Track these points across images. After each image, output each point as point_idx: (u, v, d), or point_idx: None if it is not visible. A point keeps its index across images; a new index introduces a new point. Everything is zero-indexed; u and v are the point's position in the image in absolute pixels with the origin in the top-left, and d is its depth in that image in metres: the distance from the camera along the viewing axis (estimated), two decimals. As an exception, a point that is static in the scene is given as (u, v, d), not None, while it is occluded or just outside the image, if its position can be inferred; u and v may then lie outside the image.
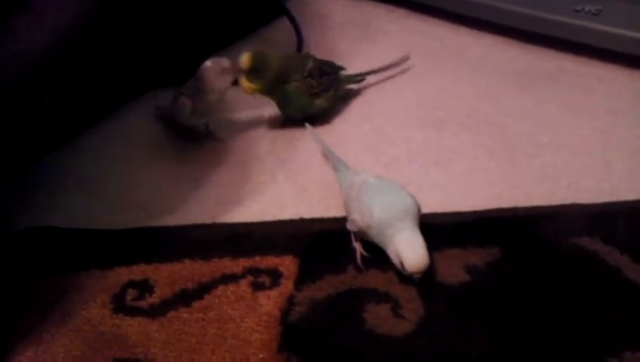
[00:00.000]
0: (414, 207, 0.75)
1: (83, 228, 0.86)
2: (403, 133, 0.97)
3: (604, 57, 1.05)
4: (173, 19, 1.11)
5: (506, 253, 0.77)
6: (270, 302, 0.74)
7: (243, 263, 0.79)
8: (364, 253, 0.77)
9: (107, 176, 0.95)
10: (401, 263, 0.72)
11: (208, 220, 0.86)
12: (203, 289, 0.76)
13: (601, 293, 0.72)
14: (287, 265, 0.78)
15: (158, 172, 0.95)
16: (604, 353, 0.66)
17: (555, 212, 0.81)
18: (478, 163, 0.91)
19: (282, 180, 0.91)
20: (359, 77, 1.06)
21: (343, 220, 0.80)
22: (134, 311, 0.75)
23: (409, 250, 0.71)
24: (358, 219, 0.76)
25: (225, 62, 0.93)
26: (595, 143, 0.92)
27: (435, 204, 0.83)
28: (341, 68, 1.03)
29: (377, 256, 0.76)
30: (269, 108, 1.01)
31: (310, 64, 0.98)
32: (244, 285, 0.77)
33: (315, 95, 0.98)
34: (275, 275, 0.77)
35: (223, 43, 1.17)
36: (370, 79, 1.08)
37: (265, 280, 0.77)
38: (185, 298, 0.76)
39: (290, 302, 0.74)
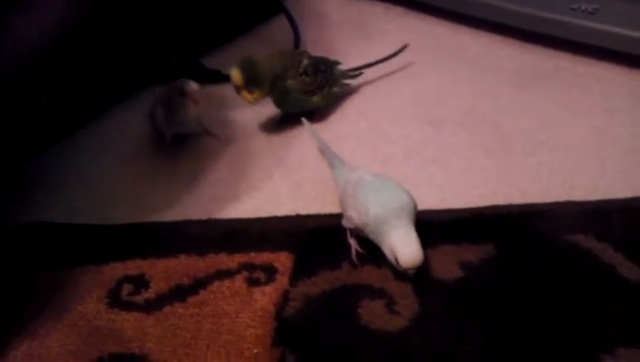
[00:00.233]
0: (410, 204, 0.76)
1: (79, 223, 0.87)
2: (400, 131, 0.98)
3: (602, 56, 1.05)
4: (171, 16, 1.11)
5: (501, 250, 0.77)
6: (265, 297, 0.74)
7: (238, 259, 0.79)
8: (360, 250, 0.77)
9: (104, 172, 0.96)
10: (396, 259, 0.72)
11: (204, 216, 0.86)
12: (198, 285, 0.77)
13: (594, 290, 0.72)
14: (283, 261, 0.78)
15: (155, 168, 0.95)
16: (598, 349, 0.66)
17: (549, 209, 0.82)
18: (475, 161, 0.91)
19: (278, 177, 0.92)
20: (356, 71, 1.06)
21: (338, 217, 0.80)
22: (130, 306, 0.75)
23: (404, 246, 0.72)
24: (353, 216, 0.76)
25: (193, 86, 0.93)
26: (592, 142, 0.92)
27: (431, 201, 0.84)
28: (336, 62, 1.03)
29: (372, 252, 0.77)
30: (266, 106, 1.01)
31: (305, 61, 0.98)
32: (239, 281, 0.77)
33: (310, 92, 0.98)
34: (270, 271, 0.77)
35: (220, 40, 1.18)
36: (368, 76, 1.08)
37: (260, 275, 0.77)
38: (180, 293, 0.76)
39: (285, 297, 0.74)
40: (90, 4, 0.86)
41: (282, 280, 0.76)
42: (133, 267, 0.79)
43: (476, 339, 0.69)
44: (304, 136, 0.97)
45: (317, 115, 1.01)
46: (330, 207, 0.85)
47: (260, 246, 0.80)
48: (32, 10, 0.79)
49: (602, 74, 1.04)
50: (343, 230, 0.79)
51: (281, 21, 1.20)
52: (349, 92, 1.06)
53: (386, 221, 0.73)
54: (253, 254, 0.80)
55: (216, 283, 0.77)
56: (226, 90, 1.07)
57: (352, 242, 0.78)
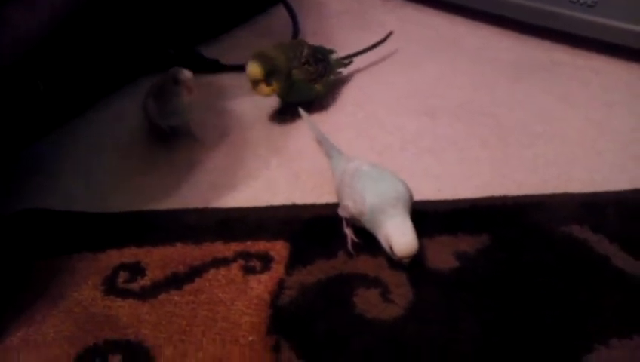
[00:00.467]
0: (406, 193, 0.76)
1: (76, 211, 0.87)
2: (397, 122, 0.98)
3: (601, 49, 1.06)
4: (169, 5, 1.11)
5: (496, 241, 0.77)
6: (261, 285, 0.75)
7: (234, 247, 0.79)
8: (355, 239, 0.78)
9: (102, 161, 0.95)
10: (391, 248, 0.72)
11: (201, 205, 0.86)
12: (194, 273, 0.77)
13: (589, 281, 0.72)
14: (279, 249, 0.79)
15: (152, 157, 0.95)
16: (592, 339, 0.66)
17: (545, 201, 0.82)
18: (471, 152, 0.91)
19: (275, 167, 0.92)
20: (347, 59, 1.06)
21: (334, 206, 0.80)
22: (125, 293, 0.75)
23: (399, 235, 0.72)
24: (350, 206, 0.76)
25: (187, 73, 0.92)
26: (589, 134, 0.92)
27: (427, 191, 0.84)
28: (331, 51, 1.04)
29: (368, 241, 0.77)
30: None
31: (305, 51, 0.98)
32: (235, 269, 0.77)
33: (313, 81, 0.98)
34: (266, 260, 0.78)
35: (218, 30, 1.18)
36: (365, 67, 1.08)
37: (256, 264, 0.77)
38: (176, 281, 0.76)
39: (281, 286, 0.74)
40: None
41: (278, 269, 0.76)
42: (129, 255, 0.80)
43: (471, 328, 0.69)
44: (302, 127, 0.97)
45: (315, 105, 1.01)
46: (326, 197, 0.85)
47: (256, 235, 0.81)
48: (30, 2, 0.79)
49: (601, 67, 1.04)
50: (339, 220, 0.79)
51: (280, 11, 1.20)
52: (346, 82, 1.06)
53: (382, 210, 0.74)
54: (249, 243, 0.80)
55: (212, 271, 0.77)
56: (225, 80, 1.08)
57: (348, 231, 0.78)
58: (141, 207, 0.87)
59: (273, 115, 1.01)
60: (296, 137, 0.96)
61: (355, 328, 0.70)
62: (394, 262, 0.74)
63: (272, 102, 1.01)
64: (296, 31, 1.15)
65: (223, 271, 0.77)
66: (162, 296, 0.75)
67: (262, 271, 0.76)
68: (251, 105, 1.03)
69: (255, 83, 0.94)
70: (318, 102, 1.01)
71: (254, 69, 0.93)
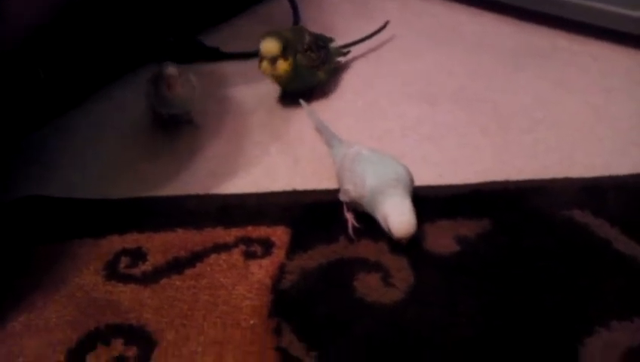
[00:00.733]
0: (406, 176, 0.76)
1: (77, 197, 0.87)
2: (397, 109, 0.98)
3: (599, 35, 1.05)
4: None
5: (497, 225, 0.77)
6: (262, 270, 0.75)
7: (235, 233, 0.79)
8: (356, 224, 0.78)
9: (102, 149, 0.96)
10: (389, 228, 0.72)
11: (201, 191, 0.87)
12: (195, 258, 0.77)
13: (590, 264, 0.72)
14: (279, 235, 0.79)
15: (153, 144, 0.96)
16: (593, 322, 0.67)
17: (545, 185, 0.82)
18: (471, 138, 0.91)
19: (275, 153, 0.92)
20: (345, 49, 1.06)
21: (335, 192, 0.81)
22: (127, 278, 0.75)
23: (397, 215, 0.72)
24: (350, 189, 0.76)
25: (170, 70, 0.91)
26: (589, 120, 0.92)
27: (428, 177, 0.84)
28: (331, 39, 1.04)
29: (369, 226, 0.77)
30: (264, 83, 1.01)
31: (307, 37, 0.98)
32: (236, 254, 0.77)
33: (315, 67, 0.98)
34: (266, 245, 0.78)
35: (218, 19, 1.17)
36: (365, 55, 1.08)
37: (257, 249, 0.77)
38: (177, 266, 0.76)
39: (282, 270, 0.75)
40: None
41: (279, 254, 0.76)
42: (130, 240, 0.80)
43: (472, 312, 0.69)
44: (301, 114, 0.97)
45: (316, 92, 1.01)
46: (326, 183, 0.85)
47: (257, 221, 0.81)
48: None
49: (600, 53, 1.04)
50: (339, 205, 0.79)
51: (280, -1, 1.20)
52: (346, 70, 1.06)
53: (381, 191, 0.74)
54: (250, 228, 0.80)
55: (213, 256, 0.77)
56: (225, 68, 1.08)
57: (349, 216, 0.78)
58: (141, 194, 0.87)
59: (273, 103, 1.01)
60: (295, 124, 0.96)
61: (356, 312, 0.70)
62: (395, 246, 0.74)
63: (272, 89, 1.01)
64: (296, 19, 1.15)
65: (224, 256, 0.77)
66: (164, 281, 0.75)
67: (263, 256, 0.76)
68: (251, 92, 1.03)
69: (272, 60, 0.94)
70: (319, 90, 1.01)
71: (272, 44, 0.93)
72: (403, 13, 1.18)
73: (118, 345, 0.69)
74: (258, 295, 0.72)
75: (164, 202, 0.85)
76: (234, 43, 1.11)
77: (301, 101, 0.96)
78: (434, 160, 0.88)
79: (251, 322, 0.70)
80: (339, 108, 0.99)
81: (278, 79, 0.97)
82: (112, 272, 0.76)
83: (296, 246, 0.77)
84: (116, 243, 0.80)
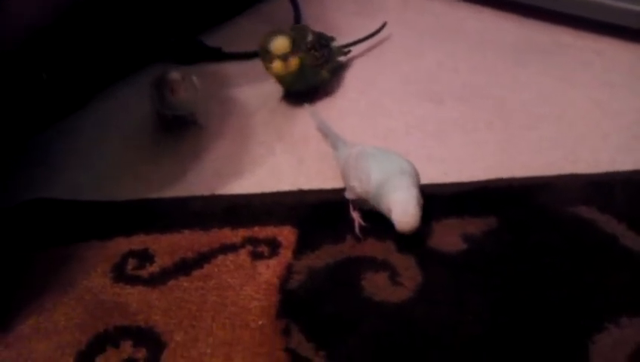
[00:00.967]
0: (412, 170, 0.77)
1: (83, 200, 0.87)
2: (401, 107, 0.98)
3: (602, 30, 1.05)
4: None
5: (503, 222, 0.77)
6: (269, 270, 0.75)
7: (242, 233, 0.80)
8: (363, 223, 0.78)
9: (107, 150, 0.96)
10: (393, 219, 0.73)
11: (207, 192, 0.87)
12: (203, 259, 0.77)
13: (597, 261, 0.73)
14: (286, 235, 0.79)
15: (158, 145, 0.96)
16: (602, 319, 0.67)
17: (551, 182, 0.82)
18: (476, 135, 0.91)
19: (280, 153, 0.92)
20: (345, 48, 1.06)
21: (340, 191, 0.81)
22: (135, 280, 0.76)
23: (400, 210, 0.72)
24: (356, 186, 0.76)
25: (173, 75, 0.92)
26: (593, 116, 0.92)
27: (434, 175, 0.84)
28: (332, 38, 1.04)
29: (375, 225, 0.77)
30: (267, 83, 1.01)
31: (310, 36, 0.98)
32: (243, 254, 0.77)
33: (319, 66, 0.98)
34: (273, 245, 0.78)
35: (220, 19, 1.17)
36: (367, 53, 1.08)
37: (264, 249, 0.78)
38: (185, 267, 0.76)
39: (289, 270, 0.75)
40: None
41: (286, 254, 0.77)
42: (137, 242, 0.80)
43: (479, 310, 0.69)
44: (304, 113, 0.97)
45: (319, 92, 1.00)
46: (331, 182, 0.85)
47: (264, 221, 0.81)
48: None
49: (603, 48, 1.04)
50: (345, 204, 0.79)
51: (281, -2, 1.19)
52: (348, 69, 1.06)
53: (386, 184, 0.74)
54: (256, 229, 0.80)
55: (220, 258, 0.77)
56: (228, 68, 1.08)
57: (355, 215, 0.78)
58: (147, 195, 0.87)
59: (276, 102, 1.01)
60: (299, 124, 0.96)
61: (364, 311, 0.70)
62: (401, 242, 0.75)
63: (275, 89, 1.01)
64: (297, 17, 1.15)
65: (231, 256, 0.77)
66: (171, 283, 0.75)
67: (270, 257, 0.77)
68: (254, 92, 1.03)
69: (282, 58, 0.93)
70: (322, 90, 1.01)
71: (283, 41, 0.93)
72: (404, 11, 1.18)
73: (127, 347, 0.69)
74: (266, 295, 0.72)
75: (170, 203, 0.85)
76: (236, 43, 1.11)
77: (305, 105, 0.96)
78: (439, 157, 0.88)
79: (260, 323, 0.70)
80: (342, 107, 0.99)
81: (283, 79, 0.97)
82: (120, 274, 0.76)
83: (303, 246, 0.77)
84: (123, 245, 0.80)
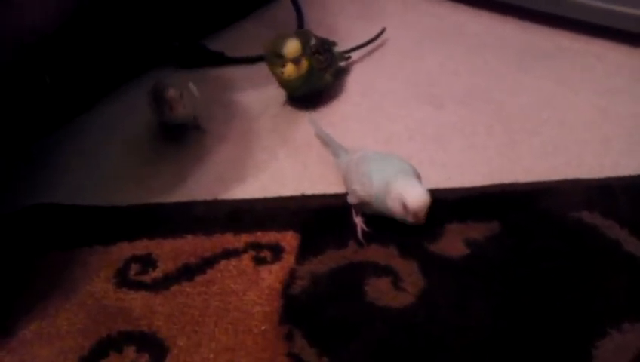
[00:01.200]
0: (413, 172, 0.77)
1: (85, 204, 0.87)
2: (402, 111, 0.98)
3: (604, 35, 1.05)
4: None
5: (506, 227, 0.78)
6: (272, 275, 0.75)
7: (245, 238, 0.80)
8: (365, 228, 0.78)
9: (110, 155, 0.96)
10: (404, 206, 0.72)
11: (210, 197, 0.87)
12: (205, 264, 0.77)
13: (600, 265, 0.73)
14: (289, 240, 0.79)
15: (160, 150, 0.96)
16: (604, 324, 0.67)
17: (554, 187, 0.82)
18: (477, 139, 0.91)
19: (283, 157, 0.92)
20: (346, 54, 1.06)
21: (343, 196, 0.81)
22: (138, 285, 0.76)
23: (409, 189, 0.73)
24: (358, 189, 0.77)
25: (171, 93, 0.91)
26: (595, 120, 0.92)
27: (436, 179, 0.84)
28: (334, 43, 1.04)
29: (378, 231, 0.77)
30: (270, 87, 1.01)
31: (313, 40, 0.98)
32: (246, 260, 0.77)
33: (323, 70, 0.98)
34: (276, 250, 0.78)
35: (223, 23, 1.18)
36: (368, 57, 1.08)
37: (266, 254, 0.78)
38: (188, 272, 0.76)
39: (292, 275, 0.75)
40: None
41: (289, 259, 0.77)
42: (140, 247, 0.80)
43: (482, 315, 0.69)
44: (308, 117, 0.97)
45: (322, 96, 1.01)
46: (334, 187, 0.86)
47: (266, 226, 0.81)
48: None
49: (604, 53, 1.04)
50: (348, 209, 0.79)
51: (284, 2, 1.19)
52: (350, 73, 1.07)
53: (389, 181, 0.74)
54: (259, 234, 0.80)
55: (222, 263, 0.77)
56: (230, 73, 1.08)
57: (358, 221, 0.79)
58: (149, 200, 0.88)
59: (279, 107, 1.01)
60: (303, 128, 0.96)
61: (367, 315, 0.70)
62: (405, 250, 0.75)
63: (278, 94, 1.01)
64: (300, 21, 1.15)
65: (233, 262, 0.77)
66: (174, 288, 0.75)
67: (273, 262, 0.77)
68: (257, 97, 1.03)
69: (295, 61, 0.94)
70: (324, 94, 1.01)
71: (295, 44, 0.93)
72: (404, 15, 1.18)
73: (130, 353, 0.69)
74: (269, 300, 0.72)
75: (173, 208, 0.85)
76: (239, 47, 1.11)
77: (308, 117, 0.96)
78: (441, 162, 0.88)
79: (263, 328, 0.70)
80: (344, 112, 0.99)
81: (290, 82, 0.97)
82: (123, 279, 0.77)
83: (305, 251, 0.77)
84: (126, 250, 0.80)
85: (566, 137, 0.90)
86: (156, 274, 0.77)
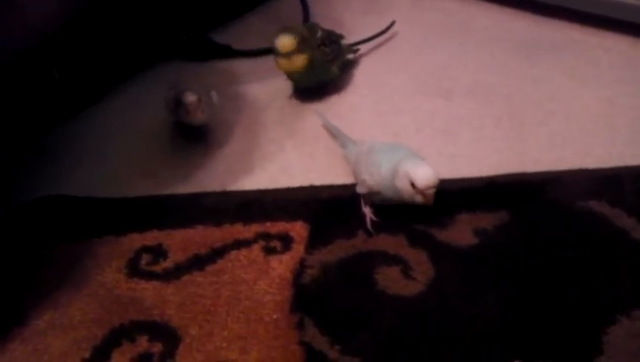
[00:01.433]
0: (421, 158, 0.77)
1: (96, 196, 0.87)
2: (410, 104, 0.98)
3: (611, 27, 1.06)
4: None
5: (514, 217, 0.78)
6: (282, 265, 0.75)
7: (255, 229, 0.80)
8: (374, 218, 0.78)
9: (119, 147, 0.96)
10: (412, 184, 0.73)
11: (219, 188, 0.87)
12: (216, 254, 0.78)
13: (608, 254, 0.73)
14: (298, 230, 0.79)
15: (169, 142, 0.96)
16: (613, 311, 0.67)
17: (562, 176, 0.82)
18: (486, 131, 0.92)
19: (291, 149, 0.92)
20: (354, 47, 1.07)
21: (352, 187, 0.81)
22: (149, 275, 0.76)
23: (416, 167, 0.73)
24: (367, 179, 0.77)
25: (189, 97, 0.90)
26: (602, 112, 0.92)
27: (445, 170, 0.84)
28: (341, 36, 1.04)
29: (387, 220, 0.78)
30: (276, 79, 1.01)
31: (319, 33, 0.98)
32: (256, 250, 0.78)
33: (330, 62, 0.98)
34: (286, 240, 0.78)
35: (229, 16, 1.18)
36: (377, 50, 1.09)
37: (276, 244, 0.78)
38: (198, 262, 0.77)
39: (302, 265, 0.75)
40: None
41: (298, 249, 0.77)
42: (151, 238, 0.80)
43: (491, 304, 0.70)
44: (315, 109, 0.97)
45: (329, 88, 1.01)
46: (343, 178, 0.86)
47: (276, 217, 0.81)
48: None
49: (611, 45, 1.04)
50: (357, 199, 0.80)
51: (290, -4, 1.20)
52: (358, 66, 1.07)
53: (396, 166, 0.75)
54: (268, 224, 0.81)
55: (233, 253, 0.78)
56: (237, 66, 1.09)
57: (367, 211, 0.79)
58: (159, 192, 0.88)
59: (286, 99, 1.01)
60: (310, 120, 0.97)
61: (377, 304, 0.71)
62: (414, 239, 0.75)
63: (285, 86, 1.02)
64: (306, 15, 1.16)
65: (244, 251, 0.78)
66: (185, 278, 0.75)
67: (283, 252, 0.77)
68: (264, 89, 1.03)
69: (287, 56, 0.94)
70: (332, 86, 1.02)
71: (287, 40, 0.93)
72: (412, 9, 1.19)
73: (143, 342, 0.70)
74: (280, 289, 0.73)
75: (183, 199, 0.86)
76: (245, 40, 1.12)
77: (317, 113, 0.96)
78: (449, 153, 0.89)
79: (274, 316, 0.70)
80: (353, 104, 0.99)
81: (293, 75, 0.97)
82: (134, 269, 0.77)
83: (315, 241, 0.78)
84: (136, 240, 0.80)
85: (573, 128, 0.90)
86: (167, 264, 0.77)
